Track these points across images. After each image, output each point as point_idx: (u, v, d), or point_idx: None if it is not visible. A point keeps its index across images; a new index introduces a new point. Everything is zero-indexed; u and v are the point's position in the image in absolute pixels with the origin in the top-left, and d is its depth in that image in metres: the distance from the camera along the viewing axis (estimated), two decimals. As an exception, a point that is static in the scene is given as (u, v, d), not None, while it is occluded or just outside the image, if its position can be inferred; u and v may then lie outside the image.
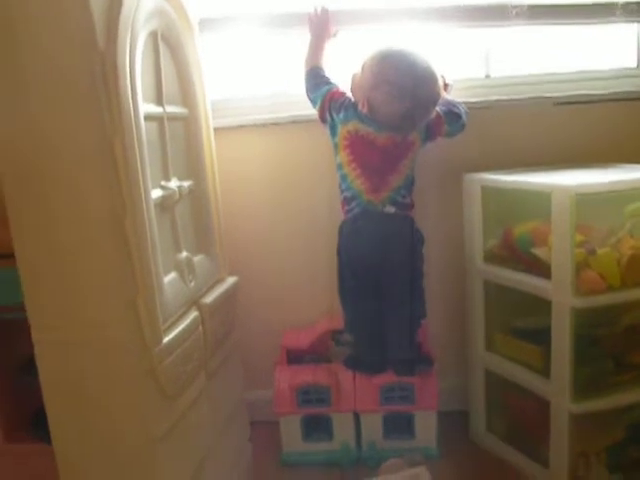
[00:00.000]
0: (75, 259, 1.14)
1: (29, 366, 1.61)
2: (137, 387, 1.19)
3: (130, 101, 1.13)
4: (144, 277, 1.17)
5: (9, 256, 1.60)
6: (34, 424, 1.67)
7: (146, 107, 1.24)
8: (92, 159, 1.10)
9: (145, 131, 1.20)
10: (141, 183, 1.16)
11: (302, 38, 1.85)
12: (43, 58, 1.07)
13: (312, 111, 1.83)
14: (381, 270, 1.77)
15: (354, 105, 1.76)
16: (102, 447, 1.23)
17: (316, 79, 1.82)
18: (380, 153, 1.75)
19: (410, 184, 1.80)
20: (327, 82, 1.82)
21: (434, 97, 1.69)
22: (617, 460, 1.66)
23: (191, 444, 1.38)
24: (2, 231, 1.55)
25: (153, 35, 1.31)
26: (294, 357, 1.95)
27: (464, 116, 1.80)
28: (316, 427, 1.89)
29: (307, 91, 1.83)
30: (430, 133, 1.79)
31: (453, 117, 1.79)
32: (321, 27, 1.83)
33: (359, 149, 1.76)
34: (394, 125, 1.71)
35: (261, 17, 1.90)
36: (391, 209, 1.76)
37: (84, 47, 1.06)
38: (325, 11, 1.83)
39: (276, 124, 1.96)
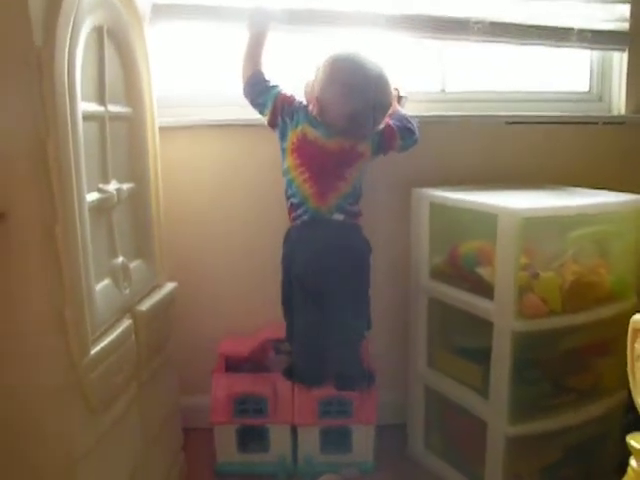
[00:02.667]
0: (3, 268, 1.08)
1: None
2: (60, 401, 1.15)
3: (67, 100, 1.09)
4: (73, 287, 1.12)
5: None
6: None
7: (86, 106, 1.19)
8: (23, 162, 1.05)
9: (83, 131, 1.15)
10: (75, 188, 1.11)
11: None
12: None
13: (256, 115, 1.78)
14: (328, 279, 1.74)
15: (305, 108, 1.73)
16: (21, 465, 1.17)
17: (261, 84, 1.75)
18: (328, 158, 1.71)
19: (358, 194, 1.77)
20: (272, 86, 1.75)
21: (384, 102, 1.68)
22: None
23: (119, 457, 1.33)
24: None
25: (98, 30, 1.26)
26: (233, 365, 1.90)
27: (417, 132, 1.79)
28: (252, 437, 1.85)
29: (251, 97, 1.76)
30: (382, 146, 1.78)
31: (406, 132, 1.78)
32: (260, 26, 1.77)
33: (308, 153, 1.73)
34: (341, 127, 1.68)
35: (212, 9, 1.84)
36: (340, 216, 1.73)
37: (19, 42, 1.01)
38: (264, 9, 1.77)
39: (221, 126, 1.91)
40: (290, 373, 1.86)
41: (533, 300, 1.55)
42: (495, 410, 1.60)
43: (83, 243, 1.14)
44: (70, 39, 1.10)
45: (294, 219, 1.77)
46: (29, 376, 1.12)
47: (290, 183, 1.76)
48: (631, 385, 1.29)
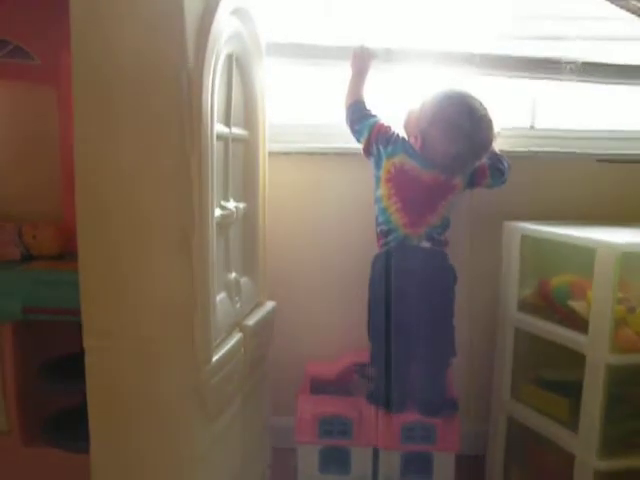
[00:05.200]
0: (139, 271, 1.16)
1: (48, 370, 1.63)
2: (182, 404, 1.20)
3: (209, 121, 1.15)
4: (203, 295, 1.18)
5: (56, 258, 1.64)
6: (51, 429, 1.67)
7: (218, 127, 1.26)
8: (169, 177, 1.12)
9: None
10: (210, 202, 1.18)
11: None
12: (131, 75, 1.10)
13: (353, 144, 1.86)
14: (415, 306, 1.77)
15: (403, 139, 1.79)
16: (140, 462, 1.23)
17: (361, 112, 1.85)
18: (422, 190, 1.76)
19: (446, 225, 1.81)
20: (372, 115, 1.84)
21: (488, 144, 1.72)
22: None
23: (224, 466, 1.37)
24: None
25: (229, 57, 1.34)
26: (317, 387, 1.94)
27: (507, 173, 1.84)
28: (334, 459, 1.87)
29: (351, 123, 1.85)
30: (472, 181, 1.82)
31: (497, 172, 1.82)
32: (363, 63, 1.87)
33: (402, 183, 1.78)
34: (444, 165, 1.73)
35: (316, 48, 1.93)
36: (427, 244, 1.78)
37: (174, 61, 1.08)
38: (366, 48, 1.87)
39: (321, 154, 1.99)
40: (374, 398, 1.88)
41: (628, 334, 1.56)
42: (584, 443, 1.60)
43: (212, 255, 1.21)
44: (213, 64, 1.18)
45: (382, 246, 1.82)
46: (157, 378, 1.18)
47: (382, 211, 1.81)
48: None
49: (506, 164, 1.84)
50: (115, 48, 1.09)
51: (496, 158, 1.84)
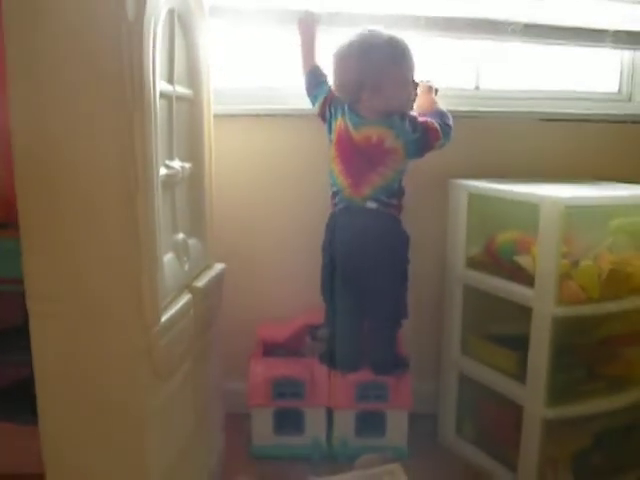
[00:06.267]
0: (83, 232, 1.13)
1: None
2: (132, 365, 1.18)
3: (151, 76, 1.13)
4: (150, 255, 1.16)
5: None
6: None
7: (161, 84, 1.23)
8: (111, 133, 1.09)
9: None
10: (154, 160, 1.15)
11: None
12: (68, 30, 1.06)
13: (302, 105, 1.88)
14: (362, 266, 1.79)
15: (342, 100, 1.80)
16: (92, 427, 1.20)
17: (317, 79, 1.87)
18: (357, 150, 1.76)
19: (394, 189, 1.79)
20: (327, 80, 1.86)
21: (387, 63, 1.73)
22: (582, 467, 1.72)
23: (175, 428, 1.36)
24: None
25: (171, 13, 1.30)
26: (269, 350, 1.95)
27: (452, 129, 1.82)
28: (288, 421, 1.89)
29: (308, 91, 1.88)
30: (425, 144, 1.77)
31: (447, 128, 1.79)
32: (309, 29, 1.87)
33: (342, 144, 1.79)
34: (352, 97, 1.76)
35: (262, 11, 1.91)
36: (373, 205, 1.77)
37: (113, 15, 1.05)
38: (311, 14, 1.87)
39: (270, 115, 1.98)
40: (326, 358, 1.90)
41: (572, 287, 1.60)
42: (532, 394, 1.65)
43: (158, 213, 1.19)
44: (154, 17, 1.15)
45: (333, 206, 1.83)
46: (105, 340, 1.16)
47: (331, 173, 1.82)
48: None
49: (451, 121, 1.83)
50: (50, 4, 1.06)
51: (443, 114, 1.82)
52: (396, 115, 1.74)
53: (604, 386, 1.70)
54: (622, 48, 2.05)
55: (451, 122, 1.82)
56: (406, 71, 1.76)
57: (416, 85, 1.80)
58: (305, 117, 1.91)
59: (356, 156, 1.77)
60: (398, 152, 1.75)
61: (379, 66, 1.72)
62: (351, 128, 1.76)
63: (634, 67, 2.15)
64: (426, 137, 1.76)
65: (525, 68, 2.14)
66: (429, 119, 1.77)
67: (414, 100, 1.81)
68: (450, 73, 2.10)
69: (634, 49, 2.07)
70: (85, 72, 1.08)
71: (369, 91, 1.73)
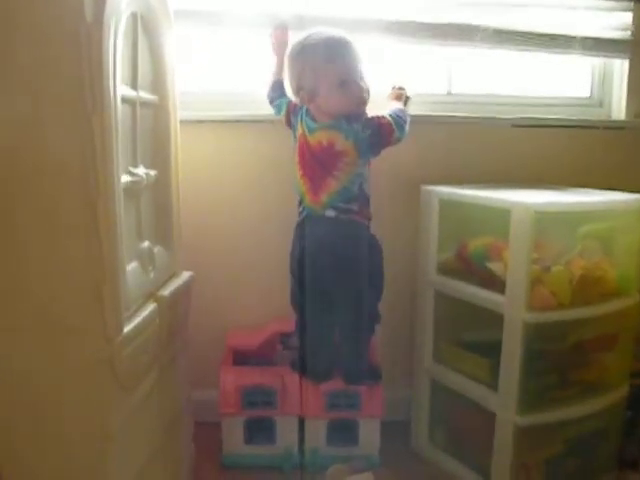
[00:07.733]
0: (41, 239, 1.11)
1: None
2: (95, 376, 1.15)
3: (111, 80, 1.10)
4: (112, 264, 1.14)
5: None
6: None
7: (122, 89, 1.21)
8: (70, 137, 1.07)
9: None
10: (115, 166, 1.13)
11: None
12: (27, 31, 1.04)
13: (267, 110, 1.89)
14: (327, 276, 1.75)
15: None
16: (56, 440, 1.18)
17: (281, 89, 1.87)
18: (312, 156, 1.74)
19: (353, 194, 1.73)
20: None
21: (320, 64, 1.68)
22: (555, 473, 1.71)
23: (141, 439, 1.34)
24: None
25: (134, 16, 1.28)
26: (240, 358, 1.92)
27: (408, 125, 1.77)
28: (259, 430, 1.86)
29: (271, 99, 1.88)
30: (379, 141, 1.73)
31: (400, 121, 1.74)
32: (281, 46, 1.86)
33: (302, 151, 1.77)
34: (297, 97, 1.75)
35: (230, 15, 1.89)
36: (331, 213, 1.73)
37: (72, 20, 1.03)
38: (283, 30, 1.86)
39: (238, 121, 1.96)
40: (298, 366, 1.87)
41: (543, 293, 1.59)
42: (504, 401, 1.64)
43: (120, 221, 1.16)
44: (114, 20, 1.12)
45: (299, 214, 1.80)
46: (67, 350, 1.13)
47: (295, 179, 1.79)
48: None
49: (408, 118, 1.78)
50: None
51: (398, 110, 1.78)
52: (342, 116, 1.70)
53: (577, 392, 1.69)
54: (590, 55, 2.06)
55: (407, 118, 1.77)
56: (343, 70, 1.69)
57: (366, 84, 1.72)
58: (272, 123, 1.90)
59: (312, 161, 1.74)
60: (349, 153, 1.70)
61: (312, 68, 1.69)
62: (307, 133, 1.74)
63: (605, 72, 2.16)
64: (378, 133, 1.71)
65: (497, 74, 2.14)
66: (380, 114, 1.73)
67: (366, 98, 1.73)
68: (422, 78, 2.09)
69: (600, 56, 2.08)
70: (44, 74, 1.06)
71: (307, 94, 1.71)
